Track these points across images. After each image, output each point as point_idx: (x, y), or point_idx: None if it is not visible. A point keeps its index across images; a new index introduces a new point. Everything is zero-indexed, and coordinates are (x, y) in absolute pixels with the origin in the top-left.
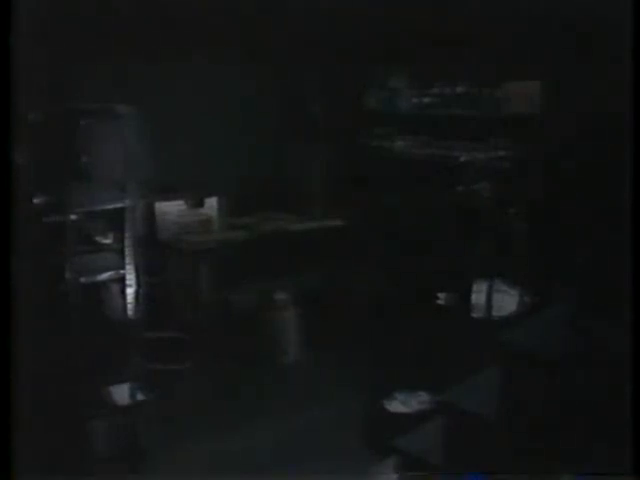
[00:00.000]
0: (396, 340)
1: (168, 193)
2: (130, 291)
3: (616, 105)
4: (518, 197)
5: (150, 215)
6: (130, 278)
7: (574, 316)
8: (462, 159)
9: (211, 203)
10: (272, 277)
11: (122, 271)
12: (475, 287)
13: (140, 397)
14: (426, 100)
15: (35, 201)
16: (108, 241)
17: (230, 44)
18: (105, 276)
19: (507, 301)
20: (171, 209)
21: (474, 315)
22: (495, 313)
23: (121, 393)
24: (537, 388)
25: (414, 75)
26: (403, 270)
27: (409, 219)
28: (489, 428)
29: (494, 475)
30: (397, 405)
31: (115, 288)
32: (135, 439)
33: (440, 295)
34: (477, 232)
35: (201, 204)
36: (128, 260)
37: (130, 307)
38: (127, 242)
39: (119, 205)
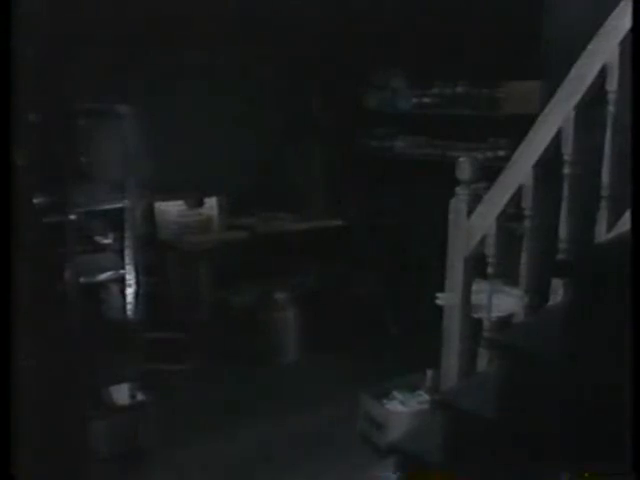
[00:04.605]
0: (396, 340)
1: (168, 193)
2: (130, 291)
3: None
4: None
5: (150, 215)
6: (130, 278)
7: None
8: (462, 159)
9: (211, 203)
10: (272, 277)
11: (122, 271)
12: (475, 287)
13: (140, 397)
14: (426, 100)
15: (35, 201)
16: (108, 241)
17: (230, 44)
18: (105, 276)
19: (507, 301)
20: (171, 209)
21: (474, 315)
22: (495, 313)
23: (121, 393)
24: (537, 388)
25: (414, 75)
26: (403, 270)
27: (409, 219)
28: (489, 428)
29: (493, 475)
30: (397, 405)
31: (115, 288)
32: (135, 439)
33: (440, 295)
34: None
35: (201, 204)
36: (128, 260)
37: (130, 307)
38: (127, 242)
39: (119, 205)
